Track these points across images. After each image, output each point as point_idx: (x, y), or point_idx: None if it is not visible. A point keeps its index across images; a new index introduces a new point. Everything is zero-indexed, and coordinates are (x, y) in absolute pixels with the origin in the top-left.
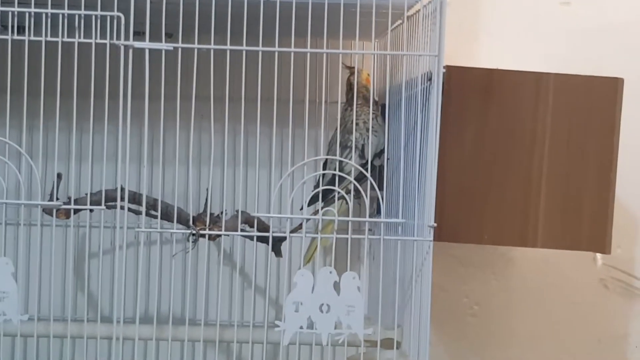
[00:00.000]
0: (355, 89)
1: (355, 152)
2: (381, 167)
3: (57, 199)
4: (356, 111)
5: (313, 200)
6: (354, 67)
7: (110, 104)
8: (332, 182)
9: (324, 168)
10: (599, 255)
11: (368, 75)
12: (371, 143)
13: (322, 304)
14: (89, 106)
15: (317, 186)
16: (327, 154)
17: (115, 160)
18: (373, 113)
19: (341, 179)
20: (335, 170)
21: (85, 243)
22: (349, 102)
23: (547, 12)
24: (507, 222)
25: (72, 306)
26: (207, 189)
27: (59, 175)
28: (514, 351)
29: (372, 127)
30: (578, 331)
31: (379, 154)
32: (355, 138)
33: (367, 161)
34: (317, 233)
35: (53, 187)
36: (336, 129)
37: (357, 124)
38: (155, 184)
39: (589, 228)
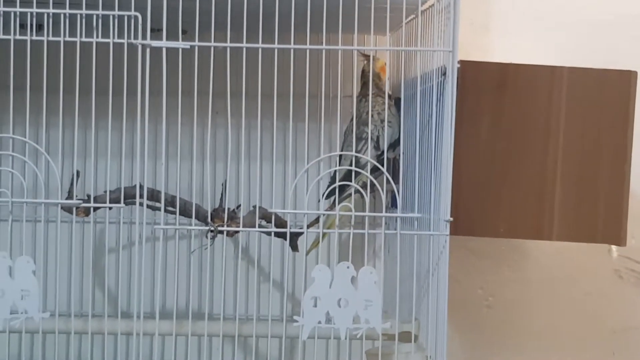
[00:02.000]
0: (371, 79)
1: (370, 143)
2: (396, 160)
3: (76, 196)
4: (370, 102)
5: (328, 193)
6: (369, 55)
7: (118, 100)
8: (347, 175)
9: (339, 159)
10: (614, 246)
11: (384, 64)
12: (386, 134)
13: (340, 299)
14: (103, 104)
15: (332, 179)
16: (343, 145)
17: (130, 157)
18: (387, 103)
19: (356, 172)
20: (349, 163)
21: (103, 239)
22: (362, 92)
23: (559, 3)
24: (523, 215)
25: (91, 302)
26: (222, 184)
27: (77, 173)
28: (529, 342)
29: (387, 117)
30: (593, 322)
31: (392, 145)
32: (370, 130)
33: (382, 152)
34: (329, 228)
35: (72, 185)
36: (351, 120)
37: (371, 116)
38: (171, 179)
39: (604, 220)
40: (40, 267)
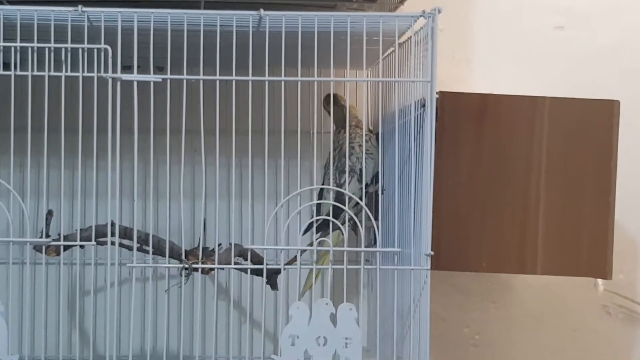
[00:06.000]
0: (348, 111)
1: (354, 176)
2: (377, 194)
3: (49, 235)
4: (350, 134)
5: (310, 229)
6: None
7: (100, 138)
8: (329, 210)
9: (320, 195)
10: (600, 281)
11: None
12: (368, 166)
13: (319, 337)
14: (78, 141)
15: (314, 215)
16: (324, 178)
17: (107, 195)
18: (366, 135)
19: (341, 208)
20: (331, 198)
21: (78, 280)
22: (338, 124)
23: (541, 36)
24: (506, 249)
25: (67, 345)
26: (203, 221)
27: (50, 212)
28: None
29: (368, 149)
30: (580, 358)
31: (373, 179)
32: (352, 162)
33: (366, 185)
34: (313, 264)
35: (44, 225)
36: (329, 153)
37: (352, 147)
38: (148, 218)
39: (589, 253)
40: (15, 309)
